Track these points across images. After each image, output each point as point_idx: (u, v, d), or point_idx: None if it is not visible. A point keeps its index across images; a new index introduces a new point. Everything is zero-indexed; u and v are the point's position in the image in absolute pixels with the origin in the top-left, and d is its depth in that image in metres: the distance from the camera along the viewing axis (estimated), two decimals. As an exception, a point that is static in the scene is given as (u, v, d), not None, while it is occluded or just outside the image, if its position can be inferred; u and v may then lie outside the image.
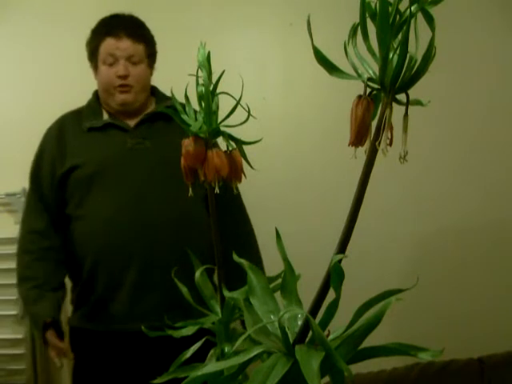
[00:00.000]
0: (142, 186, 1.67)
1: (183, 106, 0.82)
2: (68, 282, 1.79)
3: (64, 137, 1.73)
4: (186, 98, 0.83)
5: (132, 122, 1.73)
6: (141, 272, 1.63)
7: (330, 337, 0.67)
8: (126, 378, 1.64)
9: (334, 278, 0.62)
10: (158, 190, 1.66)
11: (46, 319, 1.63)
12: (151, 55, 1.75)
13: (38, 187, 1.73)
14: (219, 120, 0.79)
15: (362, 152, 0.61)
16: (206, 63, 0.79)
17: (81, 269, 1.67)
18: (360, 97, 0.61)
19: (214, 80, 0.79)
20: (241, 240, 1.71)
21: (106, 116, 1.75)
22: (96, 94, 1.80)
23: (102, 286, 1.65)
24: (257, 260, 1.73)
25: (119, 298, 1.63)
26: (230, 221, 1.71)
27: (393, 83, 0.58)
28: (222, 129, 0.80)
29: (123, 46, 1.67)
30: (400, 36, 0.58)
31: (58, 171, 1.69)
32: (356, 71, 0.62)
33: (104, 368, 1.67)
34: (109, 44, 1.67)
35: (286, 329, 0.66)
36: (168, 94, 0.90)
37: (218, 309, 0.85)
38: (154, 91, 1.80)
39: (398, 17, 0.58)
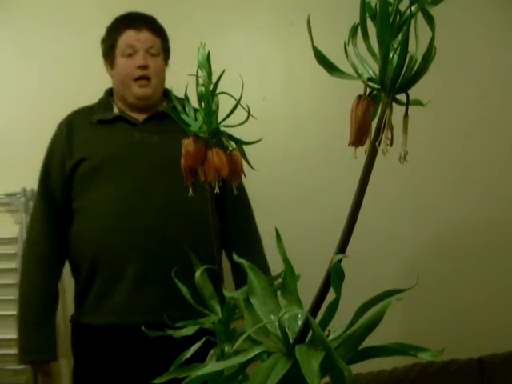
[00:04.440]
0: (147, 179, 1.68)
1: (183, 105, 0.82)
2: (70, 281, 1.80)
3: (73, 132, 1.74)
4: (186, 98, 0.83)
5: (141, 117, 1.74)
6: (141, 265, 1.63)
7: (330, 337, 0.67)
8: (125, 375, 1.63)
9: (333, 277, 0.62)
10: (162, 184, 1.67)
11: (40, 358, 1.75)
12: (166, 50, 1.79)
13: (46, 186, 1.74)
14: (219, 120, 0.80)
15: (362, 152, 0.61)
16: (206, 63, 0.79)
17: (82, 263, 1.68)
18: (360, 97, 0.61)
19: (213, 80, 0.79)
20: (251, 249, 1.77)
21: (116, 110, 1.76)
22: (108, 92, 1.81)
23: (103, 279, 1.65)
24: (265, 267, 1.75)
25: (119, 292, 1.63)
26: (241, 230, 1.77)
27: (393, 83, 0.58)
28: (222, 129, 0.80)
29: (143, 37, 1.70)
30: (400, 36, 0.58)
31: (67, 166, 1.71)
32: (356, 71, 0.62)
33: (104, 364, 1.66)
34: (129, 36, 1.71)
35: (286, 329, 0.66)
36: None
37: (218, 309, 0.86)
38: (166, 93, 1.81)
39: (398, 17, 0.58)
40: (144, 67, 1.69)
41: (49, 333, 1.73)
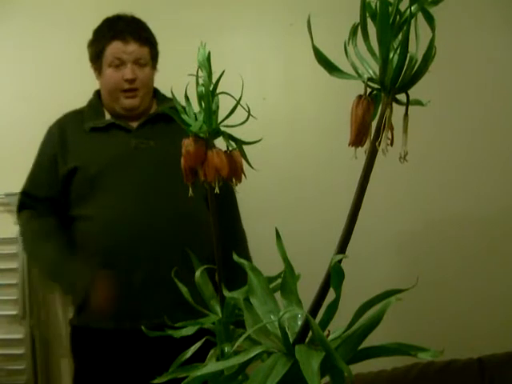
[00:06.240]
0: (147, 185, 1.67)
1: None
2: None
3: (66, 135, 1.72)
4: (186, 98, 0.83)
5: (134, 124, 1.73)
6: (148, 271, 1.62)
7: (330, 337, 0.67)
8: (127, 377, 1.63)
9: (333, 278, 0.62)
10: (161, 189, 1.66)
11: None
12: (155, 57, 1.76)
13: (36, 188, 1.73)
14: (219, 120, 0.80)
15: (362, 152, 0.61)
16: (206, 63, 0.79)
17: None
18: (360, 97, 0.61)
19: (214, 80, 0.79)
20: (233, 248, 1.74)
21: (108, 116, 1.75)
22: (97, 94, 1.79)
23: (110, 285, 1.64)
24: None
25: (127, 297, 1.63)
26: (225, 230, 1.74)
27: (393, 83, 0.58)
28: (222, 129, 0.80)
29: (130, 49, 1.68)
30: (400, 36, 0.58)
31: (61, 170, 1.69)
32: (356, 71, 0.62)
33: (107, 367, 1.66)
34: (116, 47, 1.68)
35: (286, 329, 0.66)
36: (168, 94, 0.90)
37: (218, 309, 0.86)
38: (155, 93, 1.80)
39: (398, 17, 0.58)
40: (131, 81, 1.68)
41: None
